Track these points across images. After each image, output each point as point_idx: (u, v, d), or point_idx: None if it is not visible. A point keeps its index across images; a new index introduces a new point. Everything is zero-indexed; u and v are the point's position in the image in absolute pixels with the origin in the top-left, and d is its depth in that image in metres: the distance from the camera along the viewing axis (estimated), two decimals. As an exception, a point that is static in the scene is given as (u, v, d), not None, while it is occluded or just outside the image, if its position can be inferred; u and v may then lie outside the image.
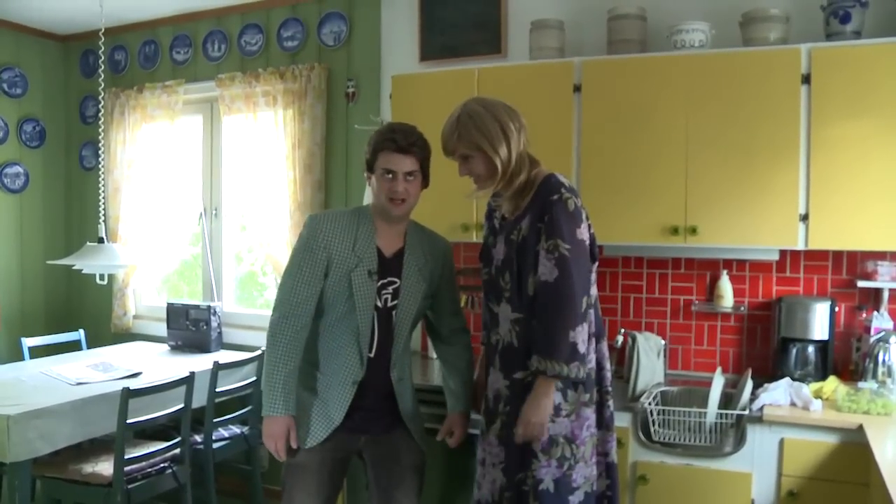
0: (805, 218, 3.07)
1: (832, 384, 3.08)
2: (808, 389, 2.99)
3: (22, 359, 4.55)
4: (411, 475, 2.76)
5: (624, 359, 3.46)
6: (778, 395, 2.99)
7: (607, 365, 2.63)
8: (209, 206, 5.05)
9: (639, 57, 3.37)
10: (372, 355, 2.65)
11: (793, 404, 2.97)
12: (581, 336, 2.37)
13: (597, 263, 2.58)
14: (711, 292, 3.57)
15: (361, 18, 4.36)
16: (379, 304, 2.65)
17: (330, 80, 4.43)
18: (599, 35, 3.61)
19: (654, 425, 3.06)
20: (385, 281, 2.66)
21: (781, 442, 2.87)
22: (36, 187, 5.43)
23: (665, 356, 3.51)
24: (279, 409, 2.59)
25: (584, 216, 2.48)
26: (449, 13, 4.04)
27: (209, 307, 4.64)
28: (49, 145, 5.51)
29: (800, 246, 3.10)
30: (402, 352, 2.70)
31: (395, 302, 2.66)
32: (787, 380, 3.08)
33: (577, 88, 3.39)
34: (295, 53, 4.55)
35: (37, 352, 4.63)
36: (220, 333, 4.71)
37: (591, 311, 2.49)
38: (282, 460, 2.68)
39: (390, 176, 2.58)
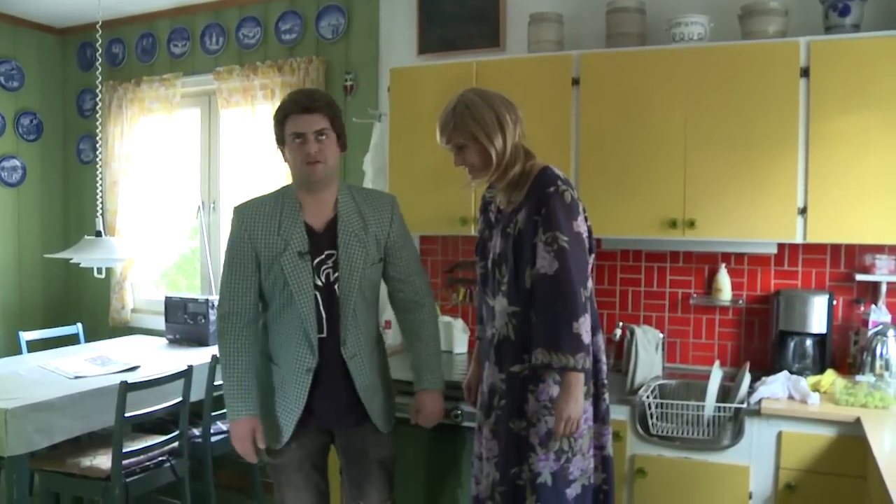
0: (803, 211, 3.06)
1: (830, 377, 3.08)
2: (805, 383, 2.99)
3: (20, 352, 4.55)
4: (378, 468, 2.74)
5: (622, 352, 3.46)
6: (776, 388, 2.99)
7: (603, 358, 2.63)
8: (207, 199, 5.04)
9: (637, 50, 3.36)
10: (324, 335, 2.57)
11: (791, 397, 2.97)
12: (584, 327, 2.37)
13: (594, 256, 2.59)
14: (710, 286, 3.57)
15: (360, 11, 4.35)
16: (319, 281, 2.56)
17: (328, 73, 4.42)
18: (598, 28, 3.60)
19: (652, 418, 3.06)
20: (322, 257, 2.56)
21: (779, 435, 2.87)
22: (33, 181, 5.42)
23: (663, 349, 3.51)
24: (239, 411, 2.55)
25: (580, 208, 2.49)
26: (447, 6, 4.03)
27: (207, 301, 4.63)
28: (46, 139, 5.50)
29: (798, 239, 3.10)
30: (354, 327, 2.59)
31: (337, 275, 2.57)
32: (784, 373, 3.08)
33: (576, 82, 3.39)
34: (293, 46, 4.54)
35: (35, 345, 4.63)
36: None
37: (589, 304, 2.49)
38: (253, 462, 2.70)
39: (300, 140, 2.50)
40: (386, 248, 2.65)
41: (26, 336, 4.64)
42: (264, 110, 4.55)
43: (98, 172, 4.71)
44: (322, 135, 2.50)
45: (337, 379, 2.59)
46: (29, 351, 4.55)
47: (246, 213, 2.59)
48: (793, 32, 3.21)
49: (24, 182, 5.35)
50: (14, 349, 4.72)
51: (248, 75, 4.57)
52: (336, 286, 2.56)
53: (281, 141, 2.56)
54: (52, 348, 4.60)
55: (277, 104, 4.37)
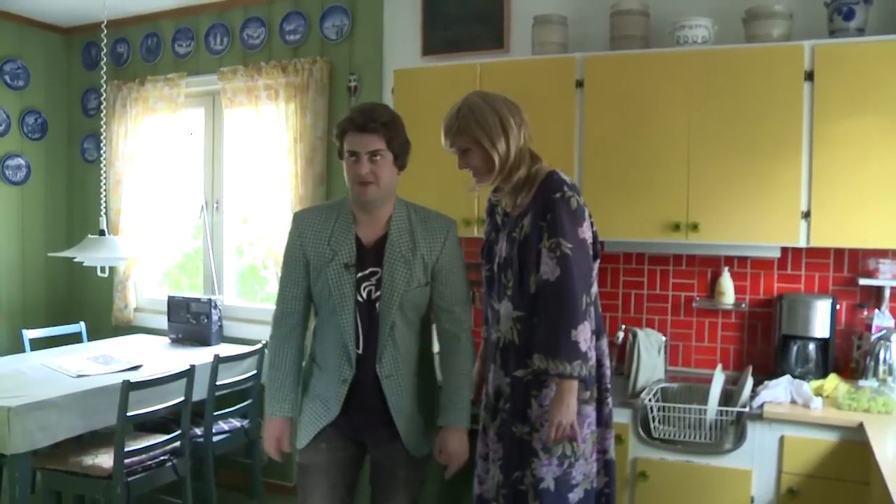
0: (807, 215, 3.06)
1: (833, 382, 3.08)
2: (808, 387, 2.99)
3: (23, 350, 4.55)
4: (403, 491, 2.64)
5: (624, 355, 3.46)
6: (778, 392, 2.99)
7: (607, 362, 2.63)
8: (210, 199, 5.04)
9: (641, 53, 3.36)
10: (360, 352, 2.53)
11: (793, 402, 2.97)
12: (583, 335, 2.36)
13: (598, 261, 2.58)
14: (713, 289, 3.57)
15: (364, 12, 4.35)
16: (361, 297, 2.52)
17: (332, 73, 4.42)
18: (602, 30, 3.60)
19: (654, 422, 3.06)
20: (366, 272, 2.52)
21: (781, 439, 2.87)
22: (37, 179, 5.42)
23: (666, 353, 3.50)
24: (272, 410, 2.60)
25: (586, 214, 2.48)
26: (452, 7, 4.03)
27: (210, 300, 4.64)
28: (51, 137, 5.50)
29: (801, 243, 3.10)
30: (391, 347, 2.52)
31: (379, 293, 2.52)
32: (787, 377, 3.08)
33: (580, 84, 3.39)
34: (297, 47, 4.55)
35: (38, 343, 4.64)
36: (220, 327, 4.71)
37: (592, 309, 2.48)
38: (277, 460, 2.71)
39: (353, 158, 2.45)
40: (433, 273, 2.56)
41: (29, 334, 4.65)
42: (268, 110, 4.55)
43: (102, 171, 4.72)
44: (377, 155, 2.43)
45: (373, 395, 2.54)
46: (32, 349, 4.56)
47: (301, 221, 2.60)
48: (797, 36, 3.21)
49: (29, 181, 5.36)
50: (17, 347, 4.73)
51: (252, 76, 4.57)
52: (377, 304, 2.51)
53: (341, 155, 2.53)
54: (55, 347, 4.61)
55: (281, 105, 4.49)
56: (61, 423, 3.43)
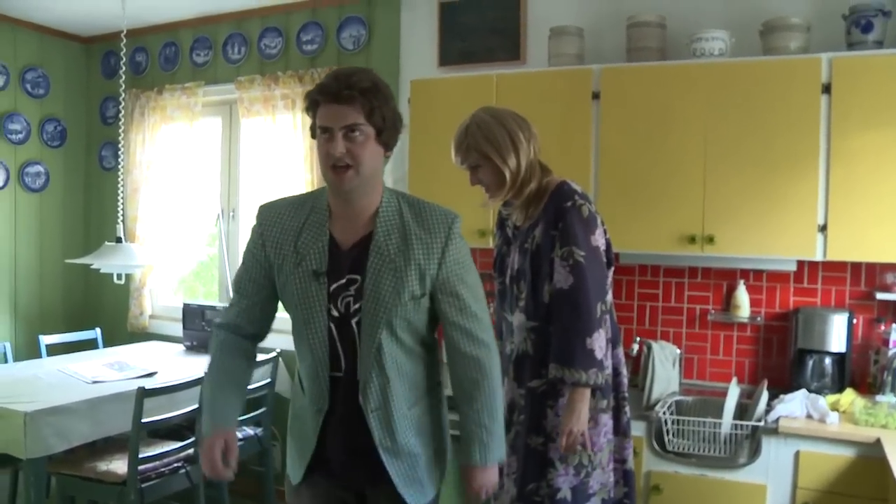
0: (823, 229, 3.04)
1: (849, 397, 3.05)
2: (824, 402, 2.97)
3: (39, 356, 4.58)
4: None
5: (639, 367, 3.44)
6: (794, 406, 2.97)
7: (623, 371, 2.63)
8: (227, 207, 5.07)
9: (658, 65, 3.36)
10: (340, 374, 2.07)
11: (809, 416, 2.95)
12: (598, 342, 2.37)
13: (612, 269, 2.58)
14: (728, 302, 3.55)
15: (381, 23, 4.38)
16: (336, 311, 2.04)
17: (349, 84, 4.43)
18: (619, 42, 3.60)
19: (668, 435, 3.04)
20: (342, 281, 2.04)
21: (797, 454, 2.85)
22: (56, 187, 5.47)
23: (680, 365, 3.49)
24: (208, 428, 2.10)
25: (598, 222, 2.49)
26: (468, 18, 4.04)
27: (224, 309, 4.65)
28: (69, 145, 5.55)
29: (818, 257, 3.08)
30: (377, 373, 2.03)
31: (359, 306, 2.04)
32: (803, 391, 3.06)
33: (596, 95, 3.39)
34: (314, 57, 4.57)
35: (54, 349, 4.66)
36: (235, 335, 4.72)
37: (608, 317, 2.48)
38: (223, 480, 2.11)
39: (326, 135, 1.95)
40: (435, 283, 2.04)
41: (46, 340, 4.68)
42: (285, 120, 4.57)
43: (119, 179, 4.75)
44: (354, 131, 1.93)
45: (357, 430, 2.07)
46: (48, 354, 4.58)
47: (265, 216, 2.14)
48: (814, 49, 3.20)
49: (48, 188, 5.40)
50: (34, 353, 4.76)
51: (269, 85, 4.60)
52: (353, 321, 2.04)
53: (314, 133, 2.03)
54: (70, 352, 4.63)
55: (298, 114, 4.50)
56: (76, 428, 3.44)
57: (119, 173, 4.82)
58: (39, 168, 5.35)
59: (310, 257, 2.05)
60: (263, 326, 2.23)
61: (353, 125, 1.92)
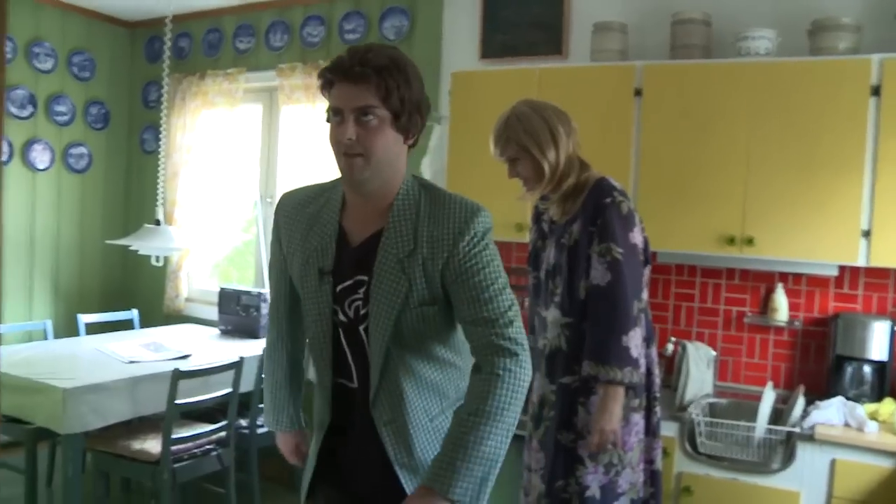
0: (867, 234, 2.99)
1: (889, 406, 3.00)
2: (862, 410, 2.92)
3: (78, 334, 4.66)
4: None
5: (673, 368, 3.41)
6: (831, 413, 2.92)
7: (656, 370, 2.61)
8: (265, 193, 5.11)
9: (702, 63, 3.32)
10: (355, 385, 1.89)
11: (846, 424, 2.90)
12: (634, 340, 2.35)
13: (650, 267, 2.56)
14: (765, 305, 3.51)
15: (423, 14, 4.37)
16: (344, 316, 1.85)
17: (390, 74, 4.44)
18: (662, 39, 3.57)
19: (700, 437, 3.02)
20: (350, 282, 1.83)
21: (833, 462, 2.81)
22: (98, 168, 5.55)
23: (715, 367, 3.46)
24: (273, 425, 2.13)
25: (636, 219, 2.47)
26: (511, 12, 4.02)
27: (260, 294, 4.69)
28: (112, 128, 5.63)
29: (861, 262, 3.03)
30: (388, 384, 1.82)
31: (367, 311, 1.82)
32: (840, 399, 3.02)
33: (638, 92, 3.36)
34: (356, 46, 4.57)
35: (92, 328, 4.74)
36: (270, 320, 4.76)
37: (643, 316, 2.47)
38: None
39: (338, 118, 1.74)
40: (446, 285, 1.78)
41: (84, 318, 4.75)
42: (325, 108, 4.58)
43: (160, 163, 4.80)
44: (367, 115, 1.70)
45: (370, 444, 1.87)
46: (87, 333, 4.66)
47: (283, 206, 1.98)
48: (865, 49, 3.14)
49: (90, 169, 5.48)
50: (73, 331, 4.84)
51: (310, 73, 4.62)
52: (360, 327, 1.84)
53: (328, 117, 1.80)
54: (108, 332, 4.71)
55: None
56: (112, 406, 3.50)
57: (160, 157, 4.88)
58: (83, 150, 5.43)
59: (318, 252, 1.85)
60: (291, 320, 2.09)
61: (366, 107, 1.69)
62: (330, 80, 1.74)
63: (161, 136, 5.00)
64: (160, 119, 4.91)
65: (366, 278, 1.81)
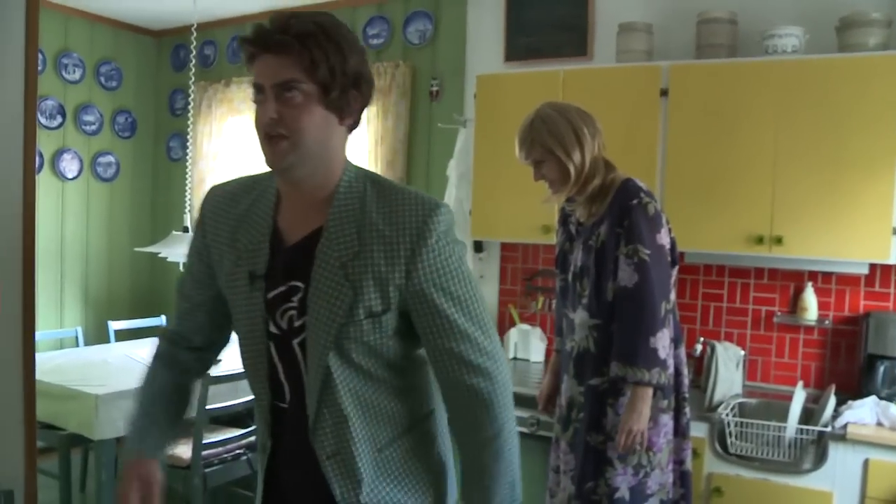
0: (899, 231, 2.96)
1: (922, 405, 2.97)
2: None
3: (108, 341, 4.71)
4: None
5: (702, 368, 3.39)
6: (863, 413, 2.89)
7: (685, 371, 2.60)
8: (290, 199, 5.13)
9: (728, 62, 3.30)
10: (285, 405, 1.61)
11: (879, 424, 2.87)
12: (662, 342, 2.35)
13: (677, 268, 2.56)
14: (795, 304, 3.48)
15: (447, 17, 4.38)
16: (276, 328, 1.57)
17: (414, 78, 4.46)
18: (688, 39, 3.55)
19: (731, 437, 3.00)
20: (283, 289, 1.56)
21: (866, 462, 2.78)
22: (126, 176, 5.61)
23: (744, 367, 3.43)
24: (129, 448, 1.70)
25: (663, 220, 2.47)
26: (535, 14, 4.02)
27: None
28: (139, 136, 5.69)
29: (892, 260, 3.00)
30: (330, 407, 1.54)
31: (302, 322, 1.55)
32: (873, 398, 2.98)
33: (664, 93, 3.35)
34: (380, 51, 4.60)
35: (122, 335, 4.79)
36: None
37: (671, 317, 2.46)
38: None
39: (261, 97, 1.48)
40: (404, 297, 1.51)
41: (114, 325, 4.81)
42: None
43: (187, 170, 4.85)
44: (290, 90, 1.44)
45: (316, 473, 1.58)
46: (116, 339, 4.71)
47: (209, 201, 1.69)
48: (895, 45, 3.11)
49: (118, 177, 5.55)
50: (103, 338, 4.90)
51: (335, 78, 4.63)
52: (294, 341, 1.57)
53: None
54: (137, 338, 4.75)
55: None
56: (144, 412, 3.53)
57: (187, 164, 4.93)
58: (111, 158, 5.49)
59: (248, 254, 1.58)
60: (213, 335, 1.80)
61: (288, 82, 1.43)
62: (252, 54, 1.48)
63: (188, 143, 5.05)
64: (186, 127, 4.96)
65: (301, 285, 1.54)
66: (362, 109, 1.55)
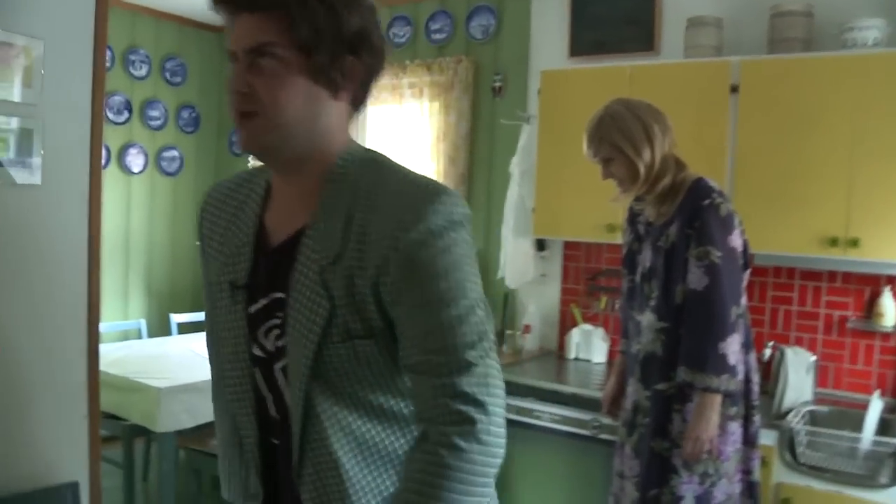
0: None
1: None
2: (979, 421, 2.76)
3: (170, 333, 4.78)
4: None
5: (770, 373, 3.29)
6: (944, 425, 2.77)
7: (755, 378, 2.52)
8: (350, 195, 5.14)
9: (803, 57, 3.18)
10: (279, 442, 1.34)
11: (962, 436, 2.74)
12: (731, 347, 2.28)
13: (749, 271, 2.47)
14: (870, 309, 3.34)
15: (510, 12, 4.33)
16: (260, 348, 1.31)
17: (477, 73, 4.42)
18: (760, 33, 3.44)
19: (801, 446, 2.90)
20: (266, 301, 1.29)
21: (947, 477, 2.66)
22: (189, 171, 5.69)
23: (814, 373, 3.31)
24: (225, 492, 1.48)
25: (736, 222, 2.39)
26: (600, 8, 3.94)
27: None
28: (203, 131, 5.77)
29: (977, 265, 2.86)
30: (314, 445, 1.25)
31: (283, 342, 1.28)
32: (955, 409, 2.86)
33: (735, 89, 3.24)
34: (442, 46, 4.57)
35: (184, 328, 4.86)
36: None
37: (742, 321, 2.38)
38: None
39: (235, 66, 1.23)
40: (384, 306, 1.21)
41: (176, 318, 4.88)
42: (412, 108, 4.59)
43: (248, 164, 4.89)
44: (263, 55, 1.19)
45: None
46: (178, 332, 4.78)
47: (207, 204, 1.46)
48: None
49: (182, 172, 5.63)
50: (165, 330, 4.97)
51: (397, 73, 4.63)
52: (279, 365, 1.30)
53: None
54: (199, 332, 4.80)
55: (425, 103, 4.52)
56: (204, 406, 3.56)
57: (248, 158, 4.97)
58: (175, 153, 5.57)
59: (230, 262, 1.33)
60: None
61: (262, 46, 1.18)
62: (228, 15, 1.24)
63: (250, 138, 5.07)
64: (249, 122, 4.99)
65: (284, 296, 1.26)
66: (369, 82, 1.29)
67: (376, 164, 1.27)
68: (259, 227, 1.32)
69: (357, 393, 1.24)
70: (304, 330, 1.22)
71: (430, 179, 1.25)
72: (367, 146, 1.32)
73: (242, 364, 1.32)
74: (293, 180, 1.28)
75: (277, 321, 1.27)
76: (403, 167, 1.28)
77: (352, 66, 1.23)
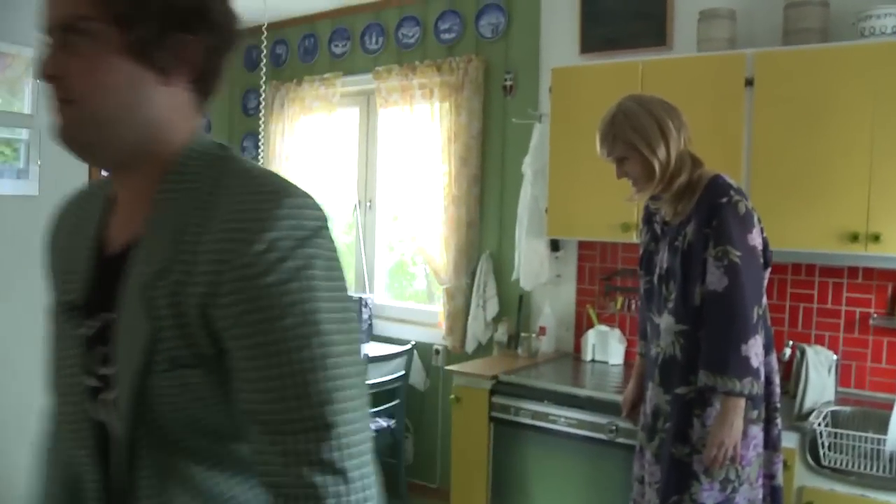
0: None
1: None
2: None
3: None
4: None
5: (790, 373, 3.22)
6: (973, 425, 2.69)
7: (776, 379, 2.46)
8: (363, 198, 5.11)
9: (819, 47, 3.11)
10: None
11: None
12: (754, 349, 2.23)
13: (769, 269, 2.41)
14: (893, 306, 3.27)
15: (520, 9, 4.28)
16: (96, 379, 1.07)
17: (487, 72, 4.37)
18: (774, 24, 3.36)
19: (823, 448, 2.83)
20: (98, 322, 1.08)
21: (976, 479, 2.58)
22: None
23: (836, 373, 3.24)
24: None
25: (755, 220, 2.34)
26: (611, 3, 3.88)
27: (360, 299, 4.69)
28: (214, 137, 5.71)
29: None
30: (149, 491, 1.02)
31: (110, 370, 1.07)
32: (984, 408, 2.78)
33: (749, 82, 3.18)
34: (452, 46, 4.52)
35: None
36: (370, 325, 4.75)
37: (763, 321, 2.33)
38: None
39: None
40: (210, 328, 0.98)
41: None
42: (422, 110, 4.55)
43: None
44: (76, 31, 0.99)
45: None
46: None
47: (53, 223, 1.26)
48: None
49: (194, 177, 5.61)
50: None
51: (406, 75, 4.59)
52: (106, 396, 1.07)
53: None
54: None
55: (436, 104, 4.47)
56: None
57: (260, 164, 4.94)
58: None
59: (67, 278, 1.14)
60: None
61: (70, 21, 0.99)
62: None
63: (260, 143, 5.06)
64: (259, 126, 4.97)
65: (115, 317, 1.05)
66: (214, 64, 1.10)
67: (221, 161, 1.07)
68: (101, 239, 1.12)
69: (194, 435, 1.02)
70: (125, 357, 1.02)
71: (280, 179, 1.05)
72: (218, 141, 1.12)
73: (77, 398, 1.09)
74: (127, 183, 1.09)
75: (108, 347, 1.06)
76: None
77: (186, 45, 1.03)
